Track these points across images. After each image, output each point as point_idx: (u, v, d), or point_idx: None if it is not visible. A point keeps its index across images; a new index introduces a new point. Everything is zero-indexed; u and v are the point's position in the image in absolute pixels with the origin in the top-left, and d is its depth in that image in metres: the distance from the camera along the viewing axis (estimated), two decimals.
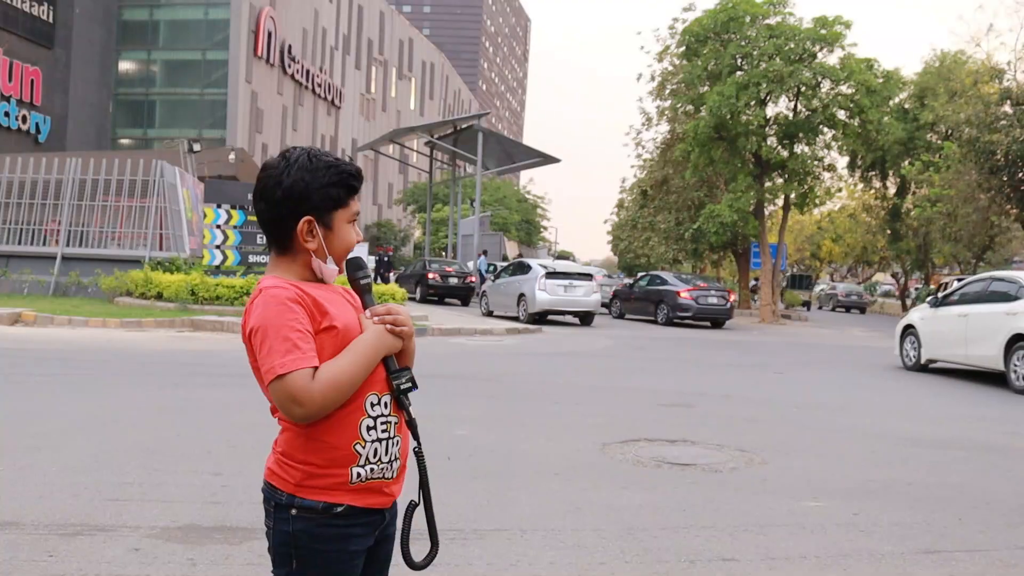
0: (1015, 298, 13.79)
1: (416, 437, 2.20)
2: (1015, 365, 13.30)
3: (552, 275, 23.97)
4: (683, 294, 26.68)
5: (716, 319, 27.20)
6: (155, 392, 9.44)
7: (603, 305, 31.30)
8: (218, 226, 20.14)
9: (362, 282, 2.23)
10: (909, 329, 16.46)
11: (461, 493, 5.86)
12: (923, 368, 15.97)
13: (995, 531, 5.57)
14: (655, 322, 27.33)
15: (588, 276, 25.00)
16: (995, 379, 14.42)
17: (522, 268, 25.65)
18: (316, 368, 2.01)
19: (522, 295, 24.16)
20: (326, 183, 2.14)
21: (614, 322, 27.27)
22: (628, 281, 34.53)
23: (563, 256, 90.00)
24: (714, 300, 26.90)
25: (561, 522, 5.31)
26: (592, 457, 7.19)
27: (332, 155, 2.21)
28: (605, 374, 13.61)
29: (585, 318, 24.68)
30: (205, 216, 20.79)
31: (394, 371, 2.14)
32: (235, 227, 20.21)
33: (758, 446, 7.86)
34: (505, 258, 39.69)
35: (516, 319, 24.06)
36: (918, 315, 16.51)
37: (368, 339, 2.10)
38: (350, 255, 2.23)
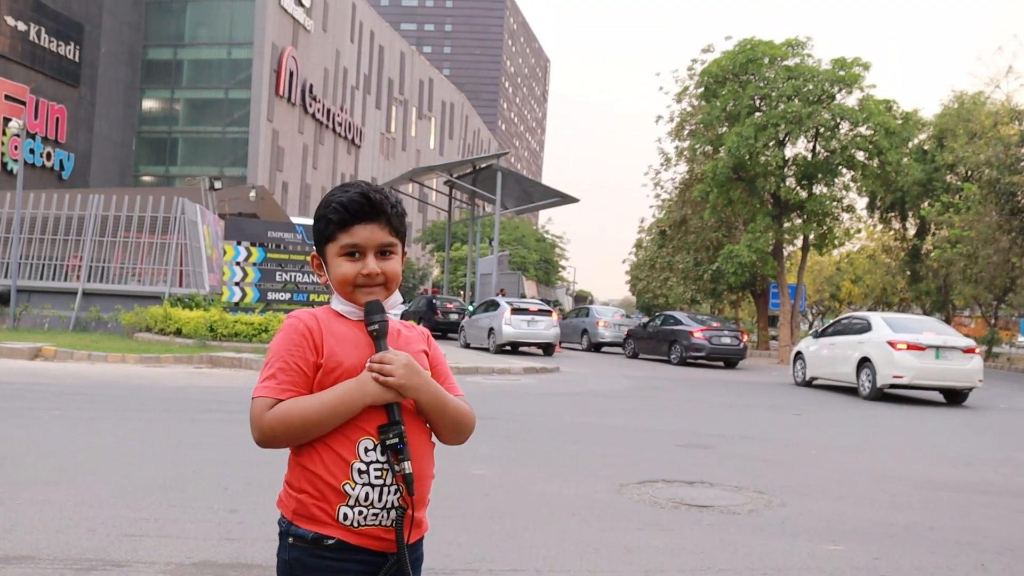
0: (864, 331, 18.53)
1: (410, 493, 2.06)
2: (862, 380, 18.10)
3: (516, 311, 26.56)
4: (696, 334, 26.66)
5: (729, 359, 27.13)
6: (173, 428, 9.45)
7: (617, 344, 31.38)
8: (238, 263, 20.26)
9: (369, 328, 2.11)
10: (799, 355, 21.23)
11: (477, 532, 5.83)
12: (808, 384, 20.55)
13: None
14: (668, 362, 27.24)
15: (548, 312, 27.49)
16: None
17: (493, 305, 28.06)
18: (278, 401, 2.03)
19: (491, 329, 26.82)
20: (316, 217, 2.18)
21: (628, 362, 27.19)
22: (644, 320, 34.50)
23: (581, 296, 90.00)
24: (727, 340, 26.86)
25: (578, 563, 5.27)
26: (609, 498, 7.14)
27: (343, 189, 2.16)
28: (622, 414, 13.55)
29: (547, 349, 27.07)
30: (225, 253, 20.93)
31: (384, 425, 2.05)
32: (254, 264, 20.32)
33: (777, 488, 7.79)
34: (523, 296, 39.74)
35: (486, 350, 26.55)
36: (805, 344, 21.38)
37: (346, 385, 2.04)
38: (372, 298, 2.14)
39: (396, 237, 2.18)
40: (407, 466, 2.05)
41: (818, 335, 20.96)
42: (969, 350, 17.64)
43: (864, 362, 18.04)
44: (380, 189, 2.19)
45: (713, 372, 24.57)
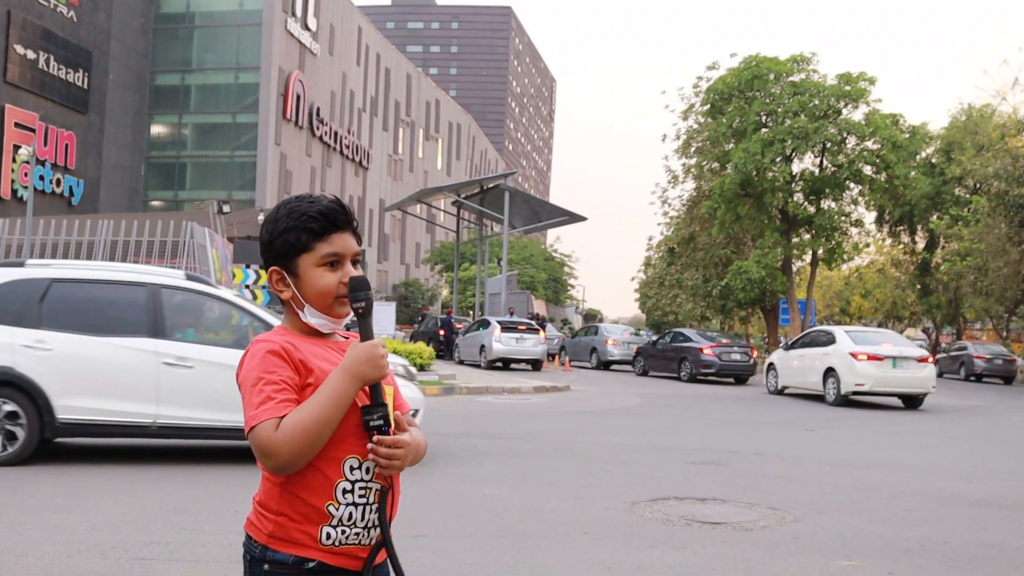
0: (830, 343, 20.12)
1: (382, 507, 2.04)
2: (828, 388, 19.59)
3: (506, 329, 27.53)
4: (706, 350, 26.62)
5: (739, 375, 27.08)
6: (183, 451, 9.45)
7: (626, 362, 31.41)
8: (247, 286, 20.30)
9: (355, 305, 2.07)
10: (772, 365, 22.92)
11: (490, 552, 5.80)
12: (780, 392, 22.16)
13: None
14: (678, 379, 27.18)
15: (536, 330, 28.50)
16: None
17: (484, 324, 29.06)
18: (281, 419, 1.96)
19: (483, 346, 27.83)
20: (283, 229, 2.11)
21: (638, 379, 27.13)
22: (653, 337, 34.47)
23: (591, 315, 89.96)
24: (737, 356, 26.84)
25: None
26: (621, 516, 7.11)
27: (309, 200, 2.13)
28: (633, 432, 13.51)
29: (535, 364, 27.95)
30: (234, 276, 20.97)
31: (367, 406, 2.01)
32: (263, 287, 20.36)
33: (789, 504, 7.74)
34: (532, 316, 39.71)
35: (478, 365, 27.60)
36: (776, 356, 23.18)
37: (335, 377, 1.99)
38: (353, 275, 2.11)
39: (360, 246, 2.18)
40: (389, 479, 2.05)
41: (788, 347, 22.94)
42: (923, 359, 19.42)
43: (830, 372, 19.58)
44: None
45: (723, 388, 24.48)
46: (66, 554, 5.34)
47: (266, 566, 2.04)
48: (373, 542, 2.06)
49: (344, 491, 2.02)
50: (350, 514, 2.03)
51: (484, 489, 7.96)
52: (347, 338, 2.19)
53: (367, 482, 2.05)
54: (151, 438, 9.14)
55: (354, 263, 2.14)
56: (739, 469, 9.82)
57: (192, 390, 8.53)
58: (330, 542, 2.02)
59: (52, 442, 8.71)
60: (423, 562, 5.32)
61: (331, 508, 2.02)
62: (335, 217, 2.11)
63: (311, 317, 2.12)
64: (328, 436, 1.99)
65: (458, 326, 33.76)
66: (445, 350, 31.19)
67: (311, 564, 2.02)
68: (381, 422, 2.01)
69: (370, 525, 2.05)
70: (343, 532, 2.03)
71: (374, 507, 2.05)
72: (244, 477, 7.96)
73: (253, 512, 2.11)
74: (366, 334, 2.05)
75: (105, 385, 8.42)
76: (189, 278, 9.34)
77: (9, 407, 8.17)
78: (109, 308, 8.87)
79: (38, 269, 8.84)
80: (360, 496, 2.03)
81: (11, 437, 8.19)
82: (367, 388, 2.03)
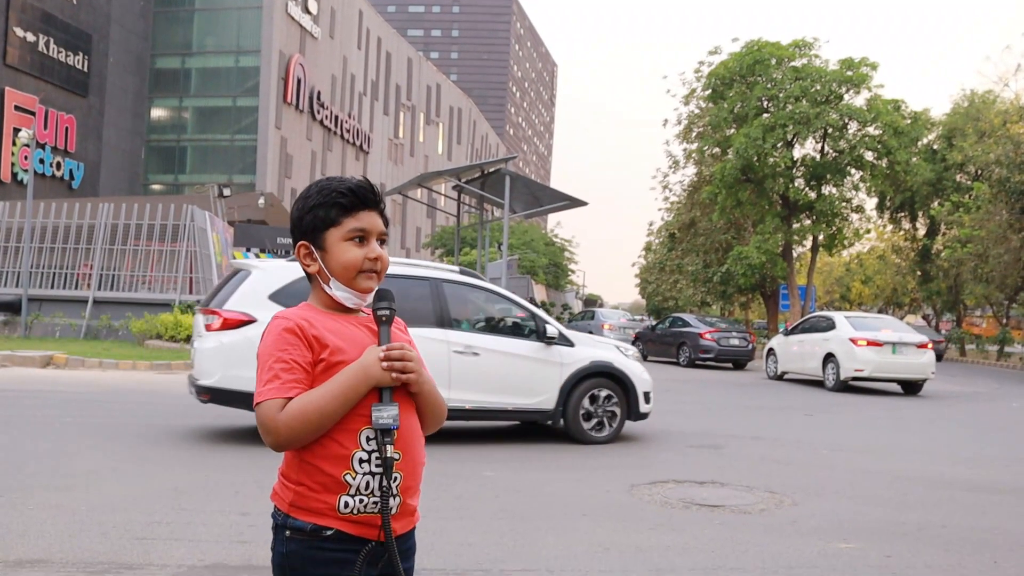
0: (829, 329, 20.36)
1: (388, 477, 2.06)
2: (827, 374, 19.77)
3: None
4: (705, 335, 26.69)
5: (738, 360, 27.17)
6: (185, 433, 9.48)
7: None
8: None
9: (378, 313, 2.16)
10: (771, 351, 23.04)
11: (488, 533, 5.83)
12: (779, 378, 22.30)
13: None
14: (677, 363, 27.23)
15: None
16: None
17: None
18: (289, 399, 2.02)
19: None
20: (313, 205, 2.18)
21: None
22: (652, 323, 34.51)
23: (591, 300, 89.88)
24: (736, 341, 26.91)
25: (588, 563, 5.27)
26: (620, 498, 7.14)
27: (340, 179, 2.20)
28: None
29: None
30: (234, 260, 20.98)
31: (378, 404, 2.06)
32: None
33: (788, 487, 7.77)
34: (532, 301, 39.75)
35: None
36: (776, 342, 23.21)
37: (350, 371, 2.06)
38: (380, 286, 2.21)
39: (386, 227, 2.25)
40: (389, 449, 2.06)
41: (788, 333, 22.99)
42: (922, 345, 19.43)
43: (829, 357, 19.78)
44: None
45: (722, 373, 24.53)
46: (67, 534, 5.36)
47: (287, 532, 2.10)
48: (393, 511, 2.10)
49: (360, 461, 2.07)
50: (367, 483, 2.08)
51: (483, 471, 7.99)
52: (368, 314, 2.24)
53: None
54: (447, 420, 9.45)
55: (381, 243, 2.22)
56: (738, 453, 9.85)
57: (478, 375, 9.45)
58: (348, 511, 2.07)
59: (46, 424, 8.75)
60: (422, 543, 5.33)
61: (348, 478, 2.07)
62: (363, 194, 2.20)
63: (336, 290, 2.19)
64: (330, 426, 2.05)
65: None
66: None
67: (329, 532, 2.07)
68: (391, 422, 2.05)
69: (388, 494, 2.08)
70: (360, 501, 2.07)
71: (395, 478, 2.09)
72: (246, 460, 8.00)
73: (278, 482, 2.17)
74: (384, 340, 2.13)
75: None
76: (462, 272, 10.15)
77: None
78: (401, 301, 9.03)
79: None
80: (377, 466, 2.08)
81: None
82: (378, 390, 2.09)
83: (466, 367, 9.37)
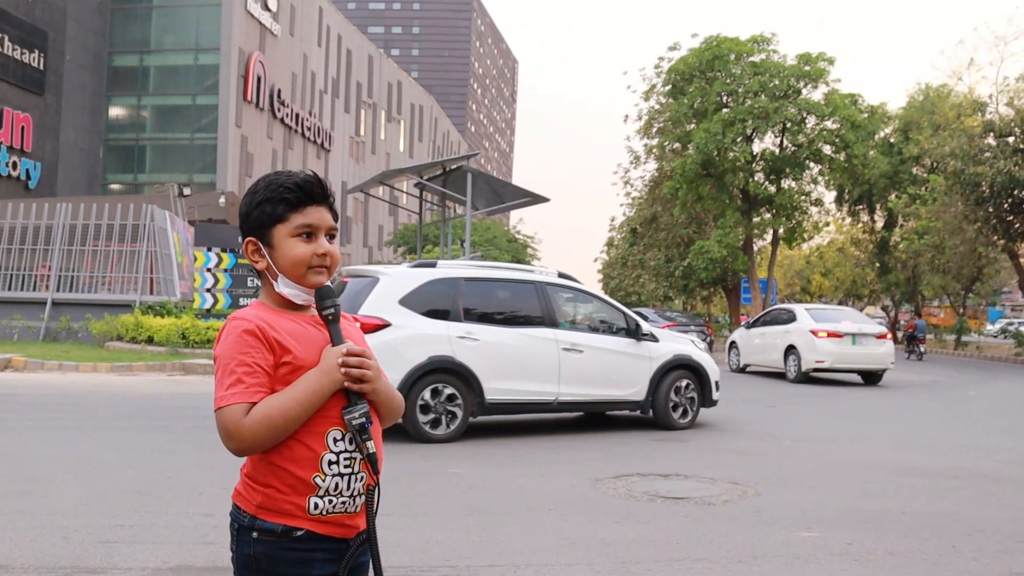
0: (790, 321, 20.52)
1: (375, 472, 2.09)
2: (789, 366, 20.00)
3: None
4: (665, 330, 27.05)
5: None
6: (147, 435, 9.40)
7: None
8: (208, 269, 20.14)
9: (324, 313, 2.13)
10: (733, 344, 23.46)
11: (455, 529, 5.84)
12: (742, 370, 22.62)
13: (989, 558, 5.57)
14: None
15: None
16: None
17: None
18: (253, 404, 2.01)
19: None
20: (260, 201, 2.16)
21: None
22: None
23: None
24: (694, 336, 27.36)
25: (554, 557, 5.30)
26: (585, 492, 7.18)
27: (288, 174, 2.17)
28: None
29: None
30: (196, 259, 20.81)
31: (347, 406, 2.07)
32: (225, 270, 20.22)
33: (751, 479, 7.86)
34: None
35: None
36: (738, 335, 23.55)
37: (312, 377, 2.06)
38: (320, 279, 2.15)
39: (336, 222, 2.22)
40: (370, 446, 2.07)
41: (749, 326, 23.21)
42: (882, 336, 19.85)
43: (790, 349, 20.00)
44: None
45: None
46: (29, 538, 5.31)
47: (255, 534, 2.09)
48: (359, 510, 2.11)
49: (330, 462, 2.07)
50: (336, 484, 2.08)
51: (449, 468, 8.00)
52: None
53: (351, 452, 2.09)
54: (552, 412, 10.97)
55: (330, 238, 2.19)
56: (701, 445, 9.94)
57: (583, 371, 10.35)
58: (318, 511, 2.08)
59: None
60: (388, 540, 5.35)
61: (317, 479, 2.06)
62: (311, 190, 2.16)
63: (284, 287, 2.16)
64: (292, 430, 2.04)
65: None
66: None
67: (299, 532, 2.07)
68: (363, 420, 2.06)
69: (355, 494, 2.10)
70: (330, 502, 2.08)
71: (359, 476, 2.10)
72: (208, 461, 7.94)
73: (241, 483, 2.16)
74: (336, 339, 2.12)
75: (520, 369, 10.03)
76: (560, 275, 11.10)
77: (449, 391, 9.57)
78: (511, 302, 10.51)
79: (448, 270, 10.20)
80: (346, 467, 2.09)
81: (452, 417, 9.59)
82: (343, 390, 2.09)
83: (573, 363, 10.25)
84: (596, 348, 10.51)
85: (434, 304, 9.77)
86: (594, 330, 10.92)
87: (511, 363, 9.97)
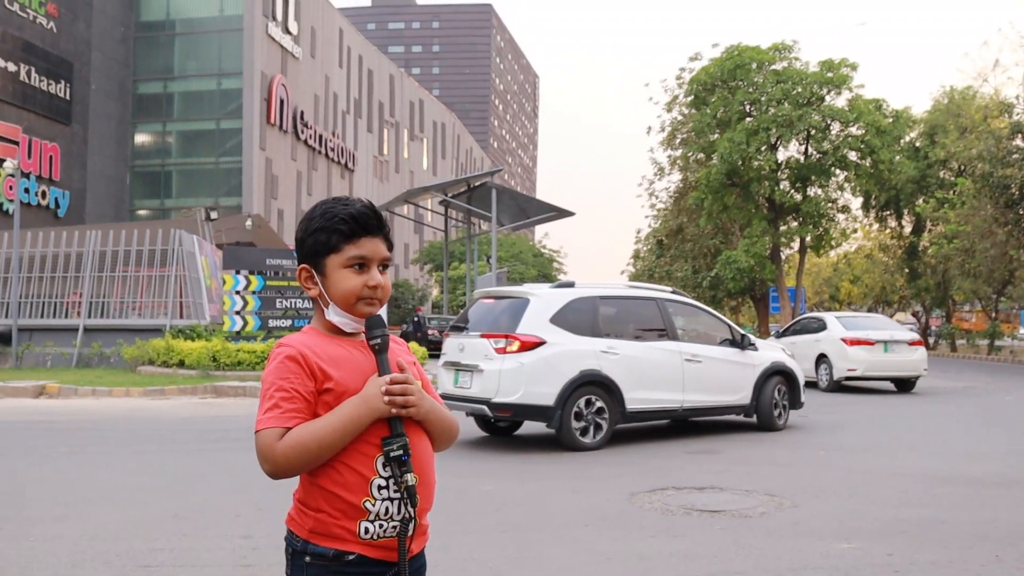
0: (821, 330, 20.36)
1: (411, 505, 2.08)
2: (820, 375, 19.72)
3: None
4: None
5: None
6: (181, 458, 9.46)
7: None
8: (237, 292, 20.27)
9: (372, 343, 2.14)
10: None
11: (491, 547, 5.83)
12: None
13: None
14: None
15: None
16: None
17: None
18: (288, 429, 2.03)
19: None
20: (315, 229, 2.17)
21: None
22: None
23: None
24: None
25: (592, 572, 5.27)
26: (620, 507, 7.14)
27: (344, 203, 2.18)
28: None
29: None
30: (224, 283, 20.94)
31: (387, 437, 2.07)
32: (254, 292, 20.32)
33: (787, 490, 7.79)
34: None
35: None
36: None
37: (351, 404, 2.07)
38: (372, 310, 2.17)
39: (390, 252, 2.23)
40: (409, 478, 2.07)
41: (779, 335, 22.94)
42: (914, 343, 19.68)
43: (822, 358, 19.87)
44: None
45: None
46: (71, 564, 5.35)
47: (307, 559, 2.10)
48: (411, 534, 2.12)
49: (379, 487, 2.08)
50: (386, 508, 2.09)
51: (483, 485, 7.99)
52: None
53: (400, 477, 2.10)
54: (677, 419, 11.93)
55: (383, 267, 2.20)
56: (735, 457, 9.87)
57: (702, 379, 11.28)
58: (368, 536, 2.08)
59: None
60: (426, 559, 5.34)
61: (367, 504, 2.08)
62: (366, 221, 2.17)
63: (335, 316, 2.18)
64: (328, 456, 2.06)
65: (431, 332, 34.58)
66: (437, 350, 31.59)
67: (351, 557, 2.08)
68: (401, 452, 2.06)
69: (408, 518, 2.11)
70: (380, 526, 2.09)
71: (413, 514, 2.10)
72: (244, 484, 7.97)
73: (294, 508, 2.17)
74: (383, 369, 2.12)
75: (652, 380, 10.83)
76: (674, 292, 12.05)
77: (599, 403, 10.29)
78: (638, 318, 11.39)
79: (586, 289, 10.99)
80: (395, 491, 2.09)
81: (598, 428, 10.28)
82: (387, 419, 2.09)
83: (694, 372, 11.18)
84: (711, 358, 11.48)
85: (577, 321, 10.48)
86: (707, 341, 11.83)
87: (645, 374, 10.73)
